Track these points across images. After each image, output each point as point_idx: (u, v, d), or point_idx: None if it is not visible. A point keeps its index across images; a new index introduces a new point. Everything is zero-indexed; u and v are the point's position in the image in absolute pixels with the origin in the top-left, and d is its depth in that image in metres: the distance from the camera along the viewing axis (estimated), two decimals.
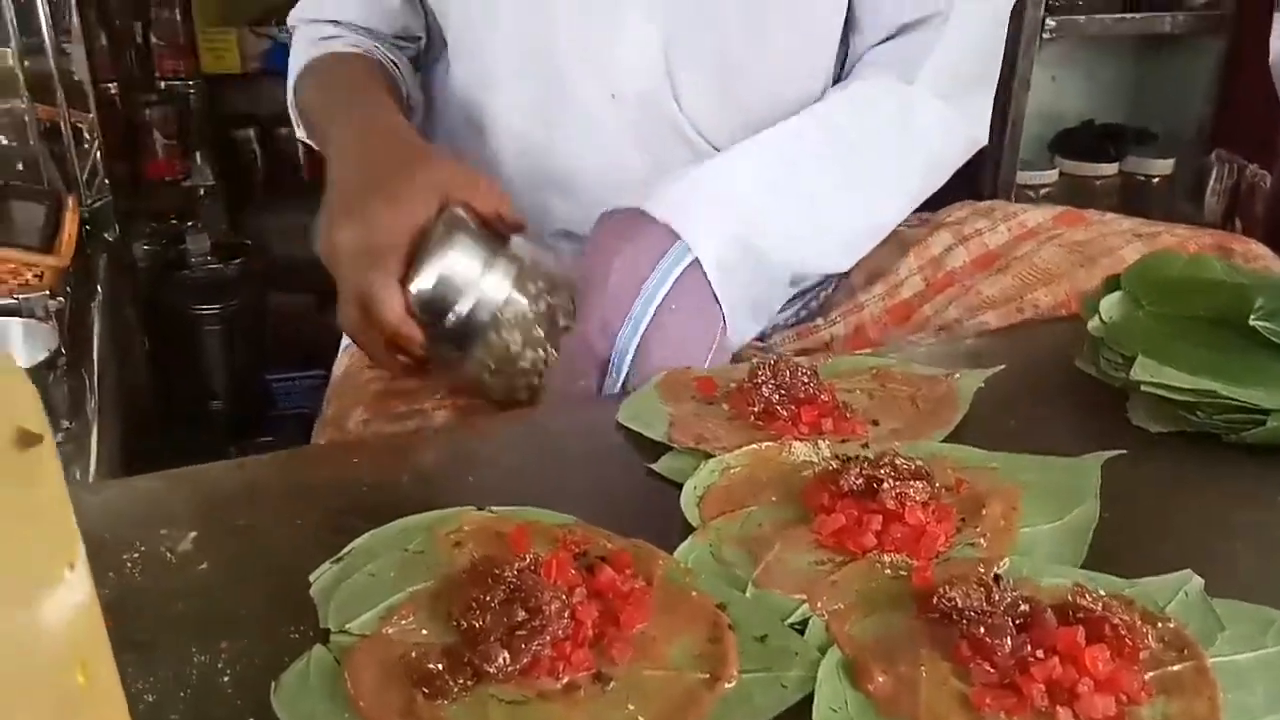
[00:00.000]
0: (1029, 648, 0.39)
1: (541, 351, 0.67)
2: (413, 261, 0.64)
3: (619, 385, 0.67)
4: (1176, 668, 0.40)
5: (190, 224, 1.86)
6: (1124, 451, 0.54)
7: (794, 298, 0.90)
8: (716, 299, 0.69)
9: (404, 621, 0.42)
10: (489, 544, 0.46)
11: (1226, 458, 0.56)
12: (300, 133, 0.92)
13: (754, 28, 0.81)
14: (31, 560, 0.24)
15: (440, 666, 0.38)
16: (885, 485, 0.47)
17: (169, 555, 0.47)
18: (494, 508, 0.48)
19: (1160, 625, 0.42)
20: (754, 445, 0.55)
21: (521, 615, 0.40)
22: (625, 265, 0.67)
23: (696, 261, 0.68)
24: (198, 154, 1.81)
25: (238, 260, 1.81)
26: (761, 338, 0.85)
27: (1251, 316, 0.60)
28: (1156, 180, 2.12)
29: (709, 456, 0.54)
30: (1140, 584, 0.45)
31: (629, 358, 0.66)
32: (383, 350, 0.67)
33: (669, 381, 0.64)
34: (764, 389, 0.58)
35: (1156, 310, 0.65)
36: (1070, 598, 0.41)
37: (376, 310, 0.64)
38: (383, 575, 0.45)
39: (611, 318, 0.66)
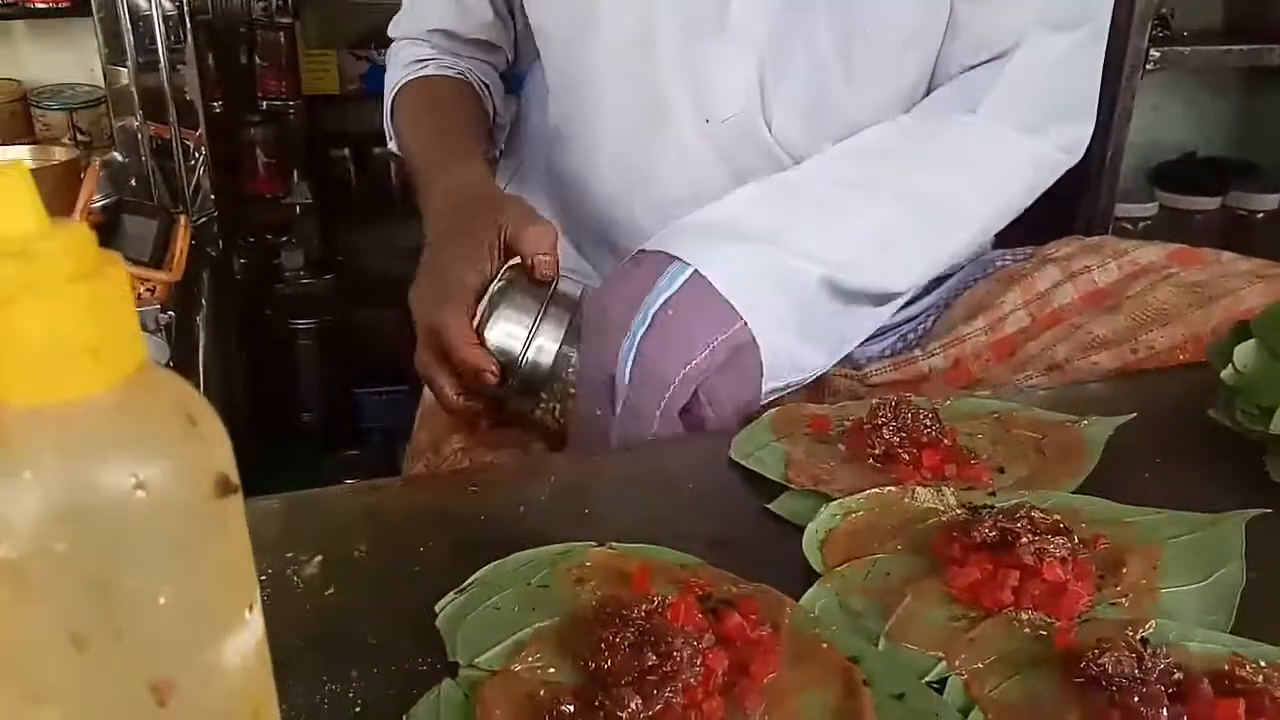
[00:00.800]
0: None
1: None
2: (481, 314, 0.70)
3: (621, 401, 0.66)
4: None
5: (286, 239, 1.91)
6: (1268, 510, 0.51)
7: (889, 329, 0.89)
8: (730, 305, 0.68)
9: (531, 659, 0.41)
10: (611, 582, 0.45)
11: None
12: (392, 145, 0.98)
13: (847, 58, 0.80)
14: (218, 603, 0.24)
15: (572, 709, 0.38)
16: (1023, 540, 0.45)
17: (296, 580, 0.47)
18: (615, 544, 0.48)
19: None
20: (876, 489, 0.53)
21: (652, 660, 0.39)
22: (623, 291, 0.69)
23: (698, 273, 0.68)
24: (295, 172, 1.86)
25: (329, 276, 1.85)
26: (856, 367, 0.83)
27: None
28: (1261, 216, 2.05)
29: (827, 498, 0.53)
30: None
31: (629, 366, 0.66)
32: (455, 388, 0.70)
33: (781, 418, 0.63)
34: (884, 431, 0.57)
35: None
36: (1227, 666, 0.39)
37: (449, 340, 0.68)
38: (507, 609, 0.44)
39: (613, 337, 0.67)
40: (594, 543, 0.48)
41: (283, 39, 1.83)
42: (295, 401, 1.70)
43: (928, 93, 0.86)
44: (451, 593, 0.45)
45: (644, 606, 0.42)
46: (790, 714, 0.39)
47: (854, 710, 0.39)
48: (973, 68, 0.83)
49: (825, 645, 0.42)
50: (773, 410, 0.64)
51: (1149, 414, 0.62)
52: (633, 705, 0.38)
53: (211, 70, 1.76)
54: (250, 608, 0.25)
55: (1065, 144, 0.83)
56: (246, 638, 0.25)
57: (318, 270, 1.87)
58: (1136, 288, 0.85)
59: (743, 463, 0.58)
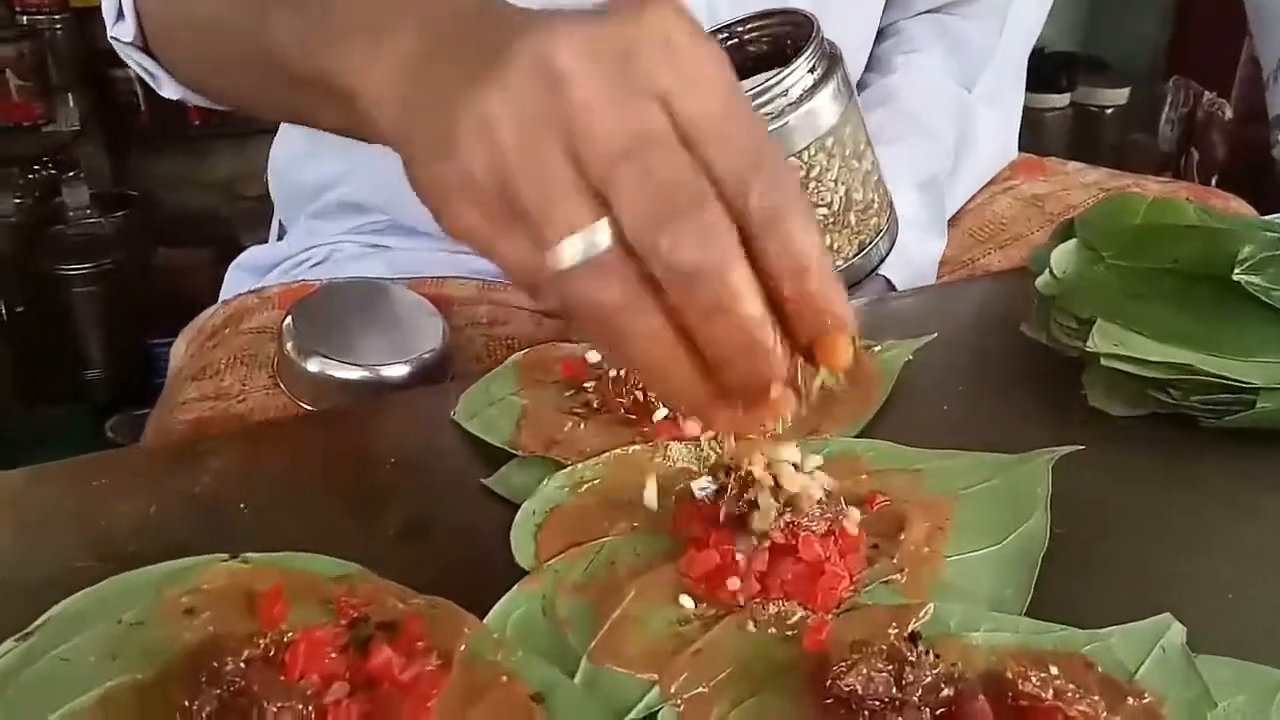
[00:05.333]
0: None
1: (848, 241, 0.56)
2: None
3: None
4: None
5: (69, 174, 1.69)
6: (1080, 446, 0.43)
7: None
8: None
9: None
10: (233, 610, 0.34)
11: (1205, 448, 0.45)
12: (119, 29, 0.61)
13: None
14: None
15: None
16: (768, 511, 0.36)
17: None
18: (250, 555, 0.36)
19: (1131, 702, 0.31)
20: (618, 450, 0.43)
21: None
22: None
23: None
24: (70, 96, 1.64)
25: (120, 213, 1.65)
26: None
27: (1235, 269, 0.49)
28: (1110, 111, 2.03)
29: (560, 467, 0.43)
30: (1103, 636, 0.34)
31: None
32: None
33: (528, 363, 0.51)
34: (634, 374, 0.46)
35: (1119, 263, 0.54)
36: (1010, 675, 0.30)
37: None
38: (80, 661, 0.32)
39: None
40: (224, 555, 0.36)
41: None
42: (77, 357, 1.50)
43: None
44: (10, 640, 0.33)
45: (246, 653, 0.30)
46: None
47: None
48: (955, 6, 0.78)
49: (505, 680, 0.32)
50: (520, 354, 0.52)
51: (954, 333, 0.53)
52: None
53: None
54: None
55: (1013, 123, 0.84)
56: None
57: (106, 207, 1.66)
58: (975, 200, 0.78)
59: (466, 425, 0.46)
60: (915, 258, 0.66)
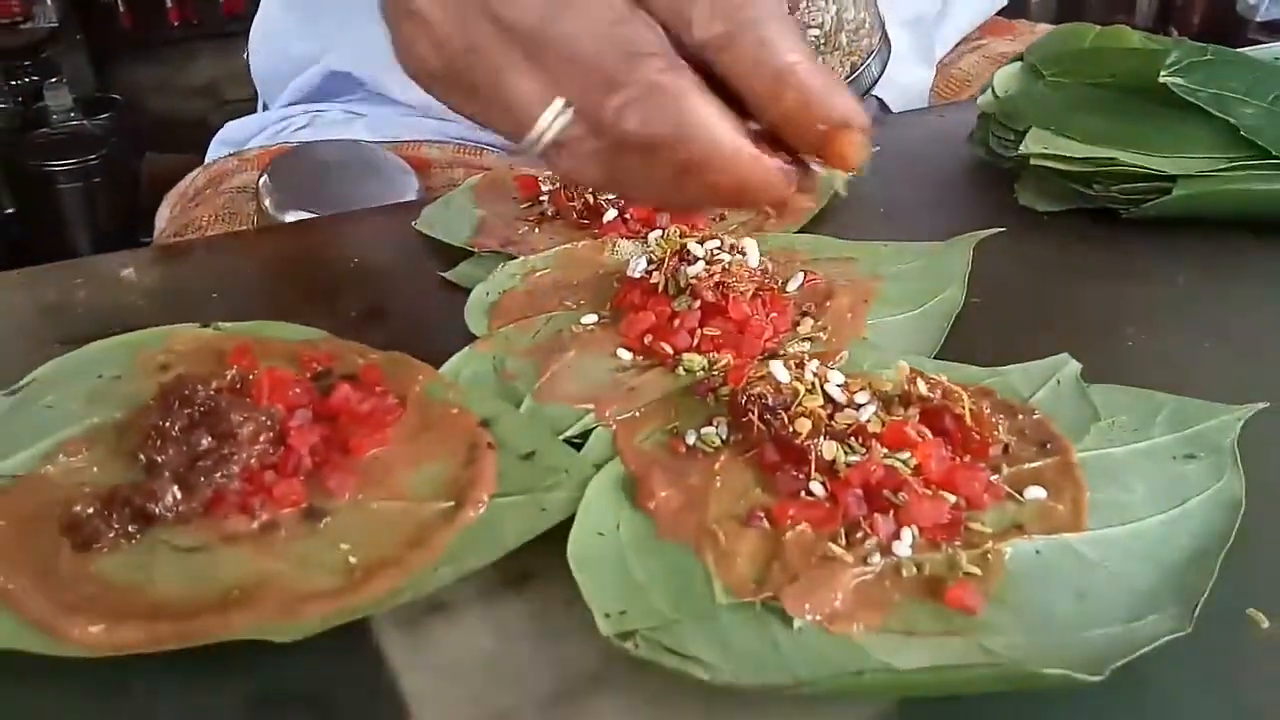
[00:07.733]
0: (846, 443, 0.31)
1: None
2: None
3: None
4: (1036, 464, 0.32)
5: (52, 80, 1.69)
6: (1001, 229, 0.45)
7: None
8: None
9: (71, 459, 0.33)
10: (205, 364, 0.37)
11: (1122, 235, 0.48)
12: None
13: None
14: None
15: (90, 510, 0.30)
16: (703, 273, 0.38)
17: None
18: (221, 324, 0.39)
19: (1021, 417, 0.34)
20: (568, 244, 0.46)
21: (207, 443, 0.31)
22: None
23: None
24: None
25: (105, 116, 1.65)
26: None
27: (1162, 72, 0.51)
28: None
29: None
30: (1004, 372, 0.37)
31: None
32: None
33: (487, 182, 0.54)
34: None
35: (1059, 79, 0.56)
36: (906, 386, 0.33)
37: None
38: (63, 407, 0.35)
39: None
40: (197, 324, 0.39)
41: None
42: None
43: None
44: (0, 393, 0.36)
45: (215, 384, 0.33)
46: (392, 489, 0.32)
47: (470, 478, 0.32)
48: None
49: (455, 412, 0.35)
50: (477, 176, 0.55)
51: (899, 150, 0.55)
52: (169, 498, 0.30)
53: None
54: None
55: None
56: None
57: (91, 112, 1.66)
58: (944, 59, 0.79)
59: (426, 231, 0.49)
60: (907, 84, 0.68)
